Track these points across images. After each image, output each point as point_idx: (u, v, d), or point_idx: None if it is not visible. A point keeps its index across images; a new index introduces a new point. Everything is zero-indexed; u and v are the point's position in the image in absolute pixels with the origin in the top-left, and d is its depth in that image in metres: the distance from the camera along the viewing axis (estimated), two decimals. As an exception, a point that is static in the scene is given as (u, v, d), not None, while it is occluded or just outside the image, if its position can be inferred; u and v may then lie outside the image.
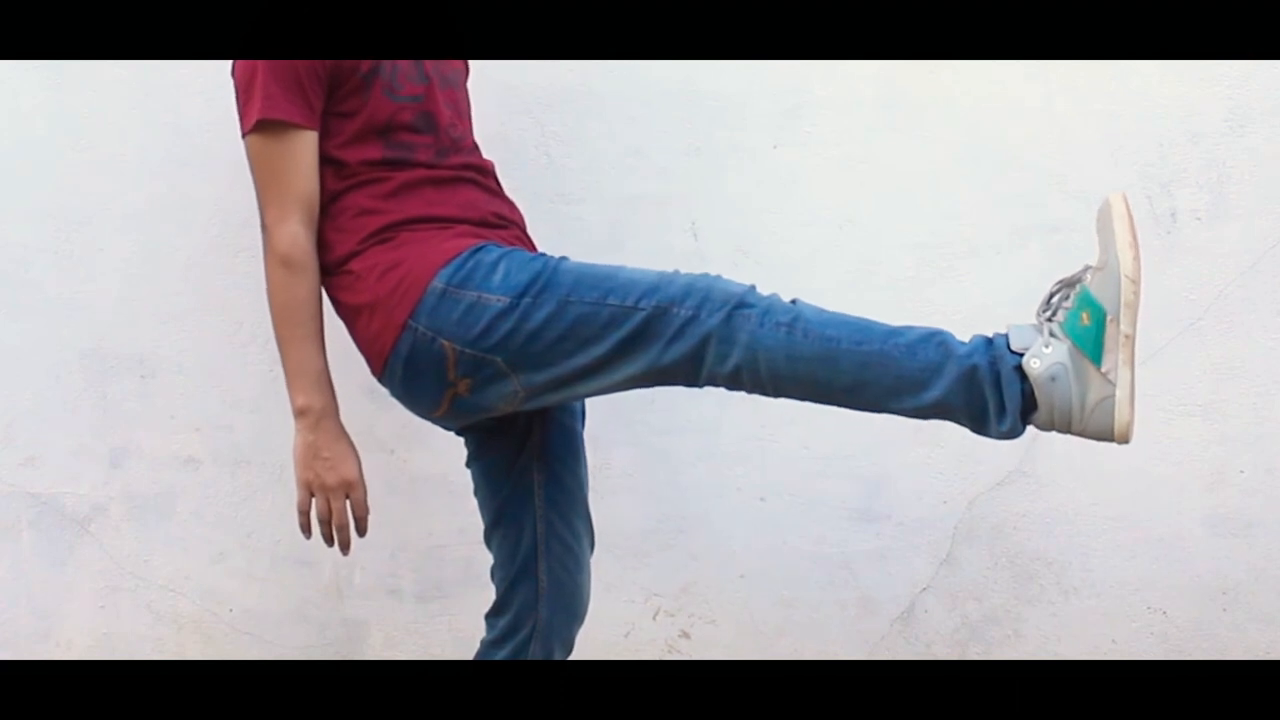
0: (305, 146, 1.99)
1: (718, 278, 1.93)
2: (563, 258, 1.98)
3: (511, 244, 2.07)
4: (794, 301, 1.91)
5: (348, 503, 1.99)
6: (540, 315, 1.89)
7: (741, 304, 1.87)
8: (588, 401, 2.27)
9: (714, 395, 2.74)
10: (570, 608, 2.15)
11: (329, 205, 2.02)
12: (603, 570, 2.75)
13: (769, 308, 1.87)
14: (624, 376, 1.92)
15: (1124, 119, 2.70)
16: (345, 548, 1.98)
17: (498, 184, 2.18)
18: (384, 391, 2.14)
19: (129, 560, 2.78)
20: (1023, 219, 2.71)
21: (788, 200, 2.73)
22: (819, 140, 2.72)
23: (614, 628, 2.77)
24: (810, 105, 2.72)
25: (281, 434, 2.74)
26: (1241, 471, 2.72)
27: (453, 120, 2.12)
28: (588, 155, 2.73)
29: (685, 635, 2.78)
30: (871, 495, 2.75)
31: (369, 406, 2.59)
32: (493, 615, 2.18)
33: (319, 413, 1.98)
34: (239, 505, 2.77)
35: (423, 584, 2.77)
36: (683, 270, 1.96)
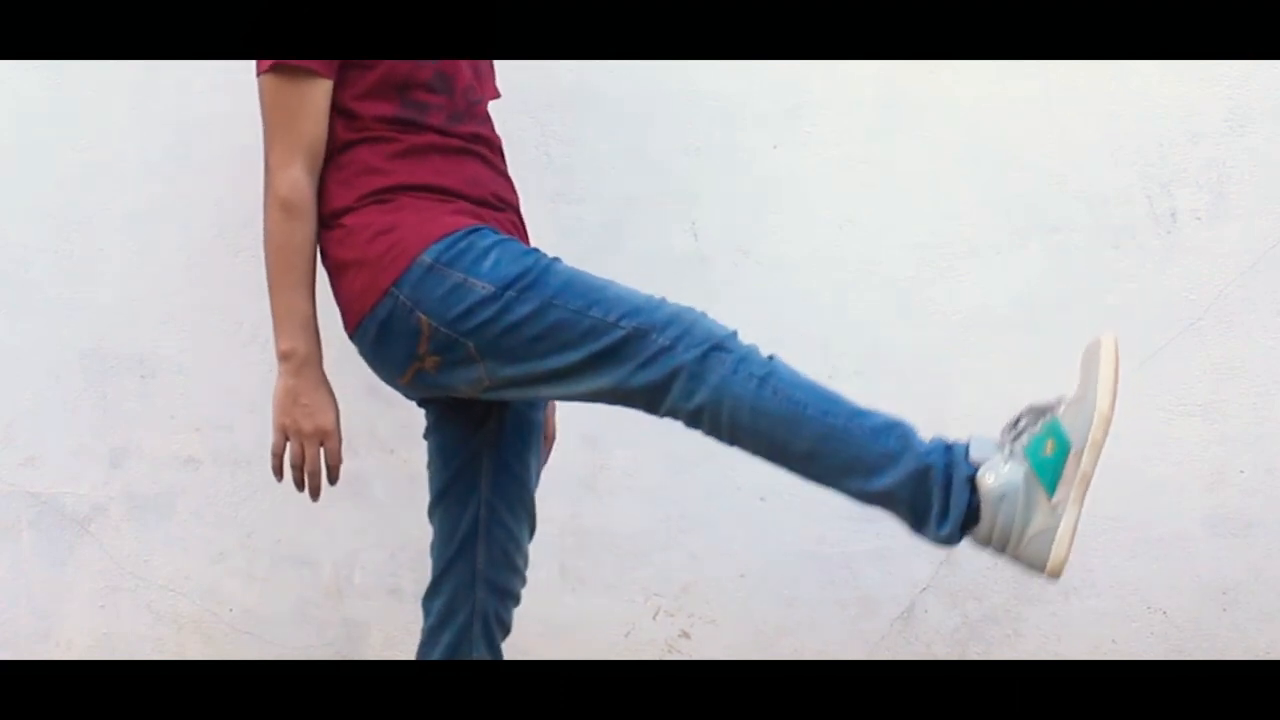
0: (319, 94, 1.98)
1: (703, 315, 1.92)
2: (555, 258, 1.97)
3: (509, 231, 2.07)
4: (771, 357, 1.91)
5: (322, 450, 2.00)
6: (522, 310, 1.90)
7: (720, 346, 1.88)
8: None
9: (714, 395, 2.75)
10: (507, 591, 2.16)
11: (335, 155, 2.01)
12: (603, 570, 2.75)
13: (746, 357, 1.88)
14: (588, 389, 1.92)
15: (1124, 119, 2.70)
16: (315, 494, 2.00)
17: (503, 161, 2.17)
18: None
19: (129, 560, 2.78)
20: (1023, 219, 2.71)
21: (788, 200, 2.73)
22: (819, 140, 2.72)
23: (614, 628, 2.77)
24: (810, 105, 2.72)
25: (281, 434, 2.75)
26: (1241, 471, 2.72)
27: (471, 83, 2.10)
28: (588, 155, 2.73)
29: (685, 635, 2.78)
30: (871, 495, 2.75)
31: (370, 406, 2.60)
32: (428, 598, 2.19)
33: (302, 358, 1.97)
34: (239, 505, 2.77)
35: (422, 584, 2.75)
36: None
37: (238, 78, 2.72)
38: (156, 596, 2.78)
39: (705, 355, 1.87)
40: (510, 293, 1.90)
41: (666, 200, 2.73)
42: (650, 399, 1.91)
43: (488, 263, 1.92)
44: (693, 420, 1.91)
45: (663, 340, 1.88)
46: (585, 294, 1.91)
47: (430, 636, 2.17)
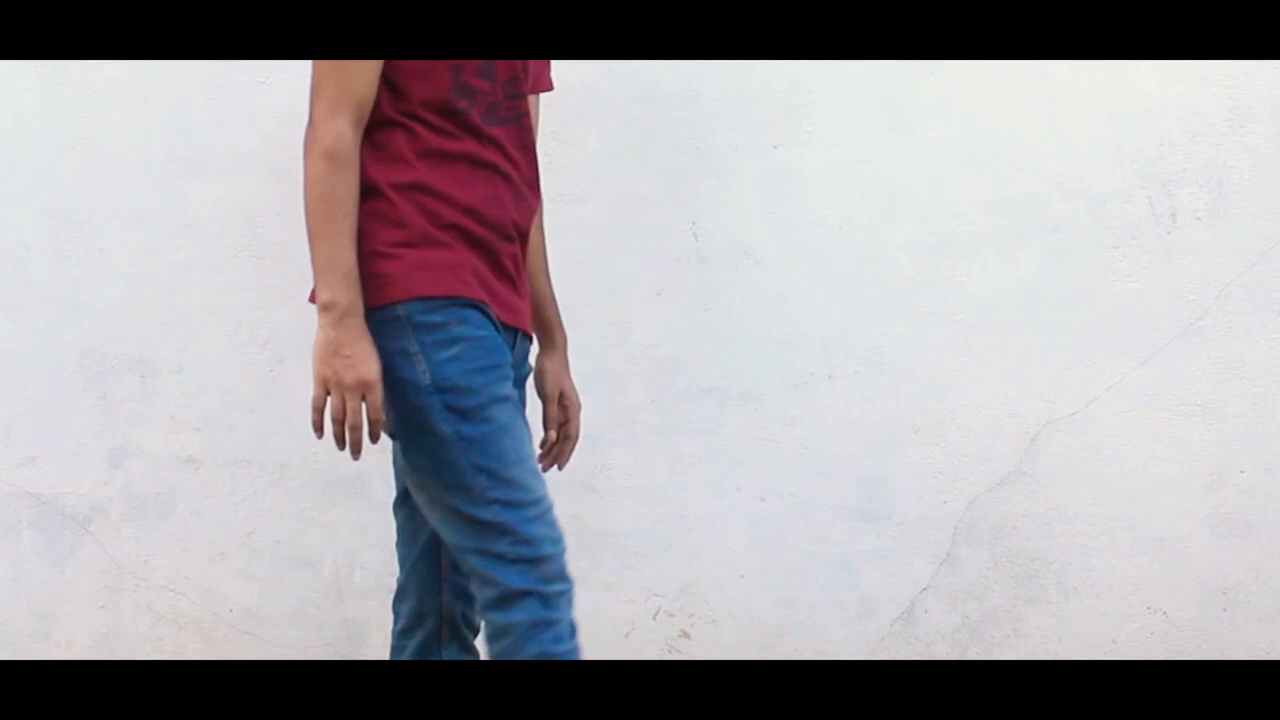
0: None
1: (560, 554, 1.93)
2: (506, 398, 1.94)
3: (507, 271, 2.01)
4: (574, 639, 1.93)
5: (363, 404, 1.92)
6: (432, 422, 1.90)
7: (547, 600, 1.90)
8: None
9: (714, 395, 2.75)
10: (474, 595, 2.10)
11: (372, 129, 1.97)
12: (603, 570, 2.75)
13: (556, 623, 1.91)
14: (429, 512, 1.96)
15: (1124, 119, 2.70)
16: (356, 449, 1.91)
17: (531, 164, 2.11)
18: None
19: (129, 560, 2.78)
20: (1023, 219, 2.71)
21: (788, 200, 2.73)
22: (819, 140, 2.72)
23: (614, 628, 2.77)
24: (810, 105, 2.72)
25: (281, 434, 2.75)
26: (1241, 471, 2.72)
27: (517, 74, 2.05)
28: (588, 155, 2.73)
29: (685, 635, 2.78)
30: (871, 495, 2.75)
31: (369, 406, 2.60)
32: (397, 601, 2.16)
33: (344, 309, 1.89)
34: (239, 505, 2.77)
35: (423, 584, 2.77)
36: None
37: (238, 78, 2.73)
38: (156, 596, 2.78)
39: (527, 593, 1.90)
40: (438, 398, 1.90)
41: (666, 200, 2.73)
42: (456, 576, 1.99)
43: (447, 354, 1.91)
44: (465, 624, 2.02)
45: (508, 548, 1.90)
46: (493, 457, 1.90)
47: (400, 640, 2.15)
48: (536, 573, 1.91)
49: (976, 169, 2.71)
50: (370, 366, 1.90)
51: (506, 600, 1.91)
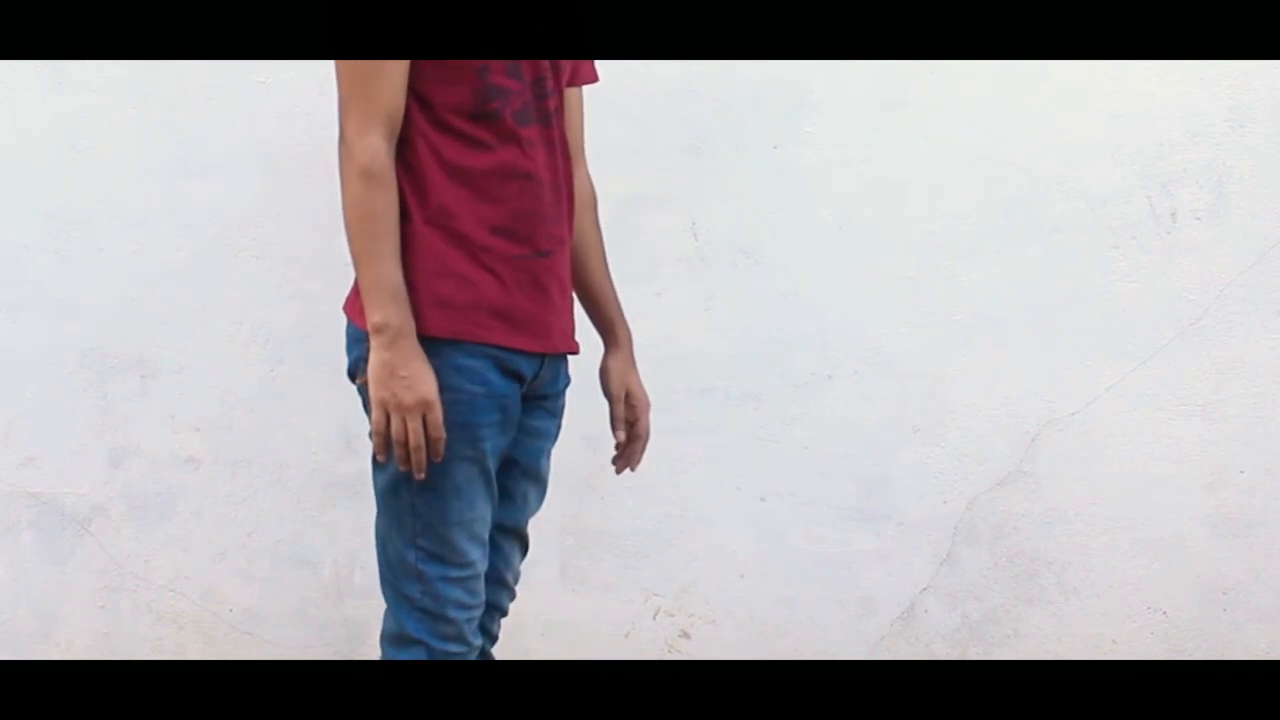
0: (398, 63, 1.91)
1: (466, 629, 1.95)
2: (471, 459, 1.92)
3: (540, 318, 1.98)
4: None
5: (423, 424, 1.90)
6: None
7: (436, 656, 1.92)
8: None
9: (714, 395, 2.75)
10: (495, 605, 2.10)
11: (401, 145, 1.93)
12: (603, 570, 2.75)
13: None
14: (377, 519, 2.00)
15: (1124, 119, 2.70)
16: (421, 469, 1.90)
17: (567, 161, 2.08)
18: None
19: (129, 560, 2.78)
20: (1023, 219, 2.71)
21: (788, 200, 2.73)
22: (819, 140, 2.72)
23: (614, 628, 2.77)
24: (810, 105, 2.72)
25: (281, 434, 2.75)
26: (1241, 471, 2.72)
27: (545, 73, 2.02)
28: (588, 155, 2.73)
29: (685, 635, 2.78)
30: (871, 495, 2.75)
31: (369, 406, 2.59)
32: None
33: (396, 330, 1.87)
34: (239, 505, 2.77)
35: (423, 584, 2.78)
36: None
37: (238, 78, 2.73)
38: (156, 596, 2.78)
39: (419, 643, 1.93)
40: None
41: (666, 200, 2.73)
42: (385, 597, 1.97)
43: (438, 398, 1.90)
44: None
45: (417, 597, 1.92)
46: (434, 510, 1.91)
47: None
48: (436, 629, 1.93)
49: (976, 169, 2.71)
50: (429, 385, 1.88)
51: (400, 640, 1.95)
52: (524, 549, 2.16)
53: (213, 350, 2.75)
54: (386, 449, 1.90)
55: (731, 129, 2.72)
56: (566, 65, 2.08)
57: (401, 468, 1.90)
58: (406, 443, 1.88)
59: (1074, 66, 2.67)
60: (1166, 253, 2.70)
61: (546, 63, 2.01)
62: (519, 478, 2.07)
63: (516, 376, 1.97)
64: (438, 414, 1.89)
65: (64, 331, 2.75)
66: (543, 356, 2.01)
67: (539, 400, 2.04)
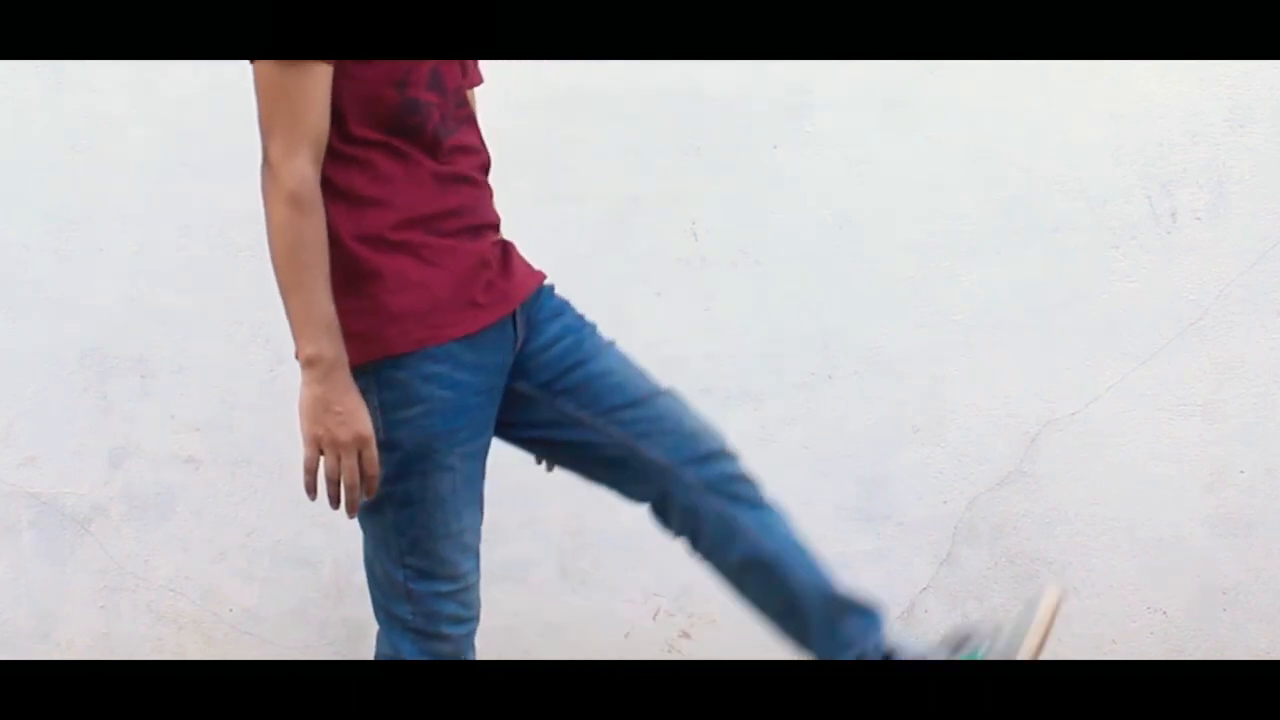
0: (321, 80, 1.83)
1: (463, 644, 1.95)
2: (451, 467, 1.89)
3: (497, 286, 1.94)
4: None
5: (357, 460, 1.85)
6: (381, 469, 1.86)
7: (412, 650, 1.93)
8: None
9: (714, 395, 2.74)
10: (710, 453, 2.06)
11: (324, 166, 1.86)
12: (603, 570, 2.75)
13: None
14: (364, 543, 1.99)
15: (1124, 119, 2.70)
16: (352, 510, 1.85)
17: (485, 171, 2.02)
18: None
19: (129, 560, 2.78)
20: (1023, 219, 2.71)
21: (788, 200, 2.73)
22: (819, 140, 2.72)
23: (614, 628, 2.77)
24: (810, 105, 2.72)
25: (281, 434, 2.75)
26: (1241, 471, 2.72)
27: (460, 84, 1.98)
28: (588, 155, 2.73)
29: (685, 635, 2.78)
30: (871, 495, 2.75)
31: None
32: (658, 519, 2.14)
33: (330, 363, 1.82)
34: (239, 505, 2.78)
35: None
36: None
37: (237, 78, 2.72)
38: (156, 596, 2.78)
39: (409, 642, 1.93)
40: (385, 453, 1.85)
41: (666, 200, 2.73)
42: (377, 620, 1.97)
43: (405, 414, 1.86)
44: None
45: (409, 618, 1.91)
46: (419, 525, 1.88)
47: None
48: (430, 648, 1.92)
49: (976, 169, 2.71)
50: (364, 421, 1.83)
51: (389, 647, 1.96)
52: (669, 391, 2.06)
53: (213, 350, 2.75)
54: (315, 488, 1.84)
55: (731, 129, 2.72)
56: (469, 67, 2.03)
57: (333, 507, 1.85)
58: (339, 480, 1.82)
59: (1074, 66, 2.67)
60: (1166, 253, 2.70)
61: (459, 75, 1.96)
62: (600, 375, 2.00)
63: (490, 363, 1.92)
64: (373, 450, 1.83)
65: (64, 331, 2.75)
66: (512, 314, 1.95)
67: (540, 327, 1.98)
